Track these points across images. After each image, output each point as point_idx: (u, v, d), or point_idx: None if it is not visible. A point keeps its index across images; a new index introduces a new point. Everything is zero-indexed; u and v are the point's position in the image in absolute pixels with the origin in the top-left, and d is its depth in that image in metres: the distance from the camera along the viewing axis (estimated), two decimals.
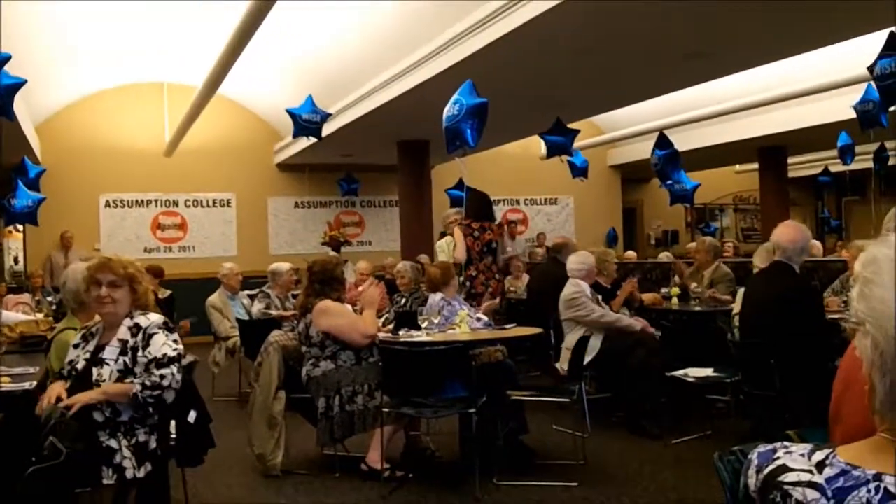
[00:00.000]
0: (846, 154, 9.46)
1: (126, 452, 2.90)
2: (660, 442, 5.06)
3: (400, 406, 4.41)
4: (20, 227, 11.38)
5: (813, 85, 8.96)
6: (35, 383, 3.43)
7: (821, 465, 0.99)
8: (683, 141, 10.18)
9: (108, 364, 3.00)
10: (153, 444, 3.00)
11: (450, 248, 7.55)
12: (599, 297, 5.74)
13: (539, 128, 8.58)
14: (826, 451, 1.01)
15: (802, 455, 1.02)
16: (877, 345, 0.96)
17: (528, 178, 14.16)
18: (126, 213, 12.12)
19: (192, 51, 9.61)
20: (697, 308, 6.39)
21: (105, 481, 2.83)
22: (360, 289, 7.63)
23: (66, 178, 11.29)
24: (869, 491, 0.93)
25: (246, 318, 7.12)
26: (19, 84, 5.41)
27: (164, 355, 3.01)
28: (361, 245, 13.42)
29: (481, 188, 7.39)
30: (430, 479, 4.52)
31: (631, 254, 12.04)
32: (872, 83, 6.21)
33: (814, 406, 3.26)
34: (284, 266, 7.47)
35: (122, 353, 3.02)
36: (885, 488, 0.93)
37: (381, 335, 4.71)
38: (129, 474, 2.87)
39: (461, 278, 6.41)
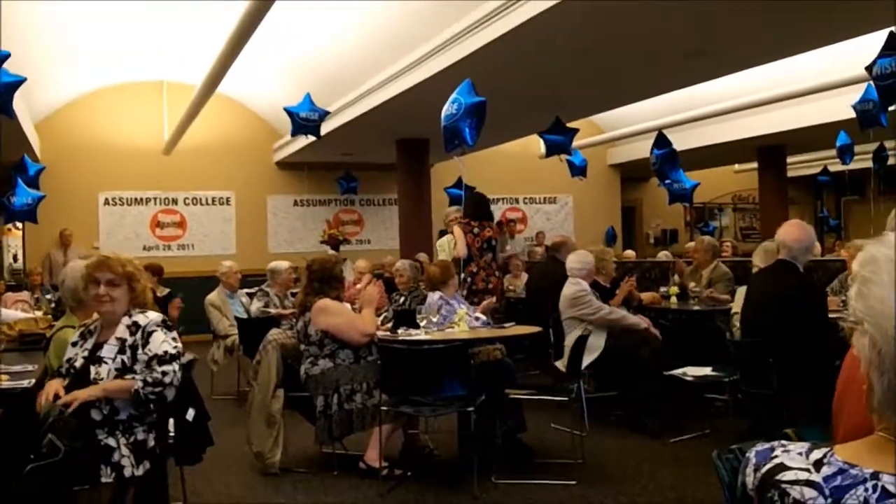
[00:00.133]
0: (845, 154, 9.46)
1: (124, 450, 2.89)
2: (658, 440, 5.07)
3: (398, 404, 4.40)
4: (19, 225, 11.37)
5: (812, 84, 8.94)
6: (34, 381, 3.42)
7: (818, 464, 0.99)
8: (682, 140, 10.17)
9: (106, 362, 3.00)
10: (151, 443, 3.00)
11: (450, 246, 7.55)
12: (598, 296, 5.74)
13: (538, 127, 8.58)
14: (824, 450, 1.01)
15: (800, 453, 1.03)
16: (875, 344, 0.96)
17: (527, 177, 14.15)
18: (125, 211, 12.11)
19: (192, 49, 9.60)
20: (696, 307, 6.40)
21: (103, 479, 2.83)
22: (359, 287, 7.64)
23: (66, 176, 11.28)
24: (866, 489, 0.93)
25: (245, 316, 7.13)
26: (19, 82, 5.40)
27: (166, 352, 3.01)
28: (360, 243, 13.41)
29: (480, 187, 7.41)
30: (429, 478, 4.52)
31: (630, 253, 12.03)
32: (872, 83, 6.21)
33: (815, 405, 3.27)
34: (283, 264, 7.47)
35: (121, 351, 3.01)
36: (883, 487, 0.93)
37: (380, 334, 4.71)
38: (127, 472, 2.87)
39: (462, 275, 6.41)
